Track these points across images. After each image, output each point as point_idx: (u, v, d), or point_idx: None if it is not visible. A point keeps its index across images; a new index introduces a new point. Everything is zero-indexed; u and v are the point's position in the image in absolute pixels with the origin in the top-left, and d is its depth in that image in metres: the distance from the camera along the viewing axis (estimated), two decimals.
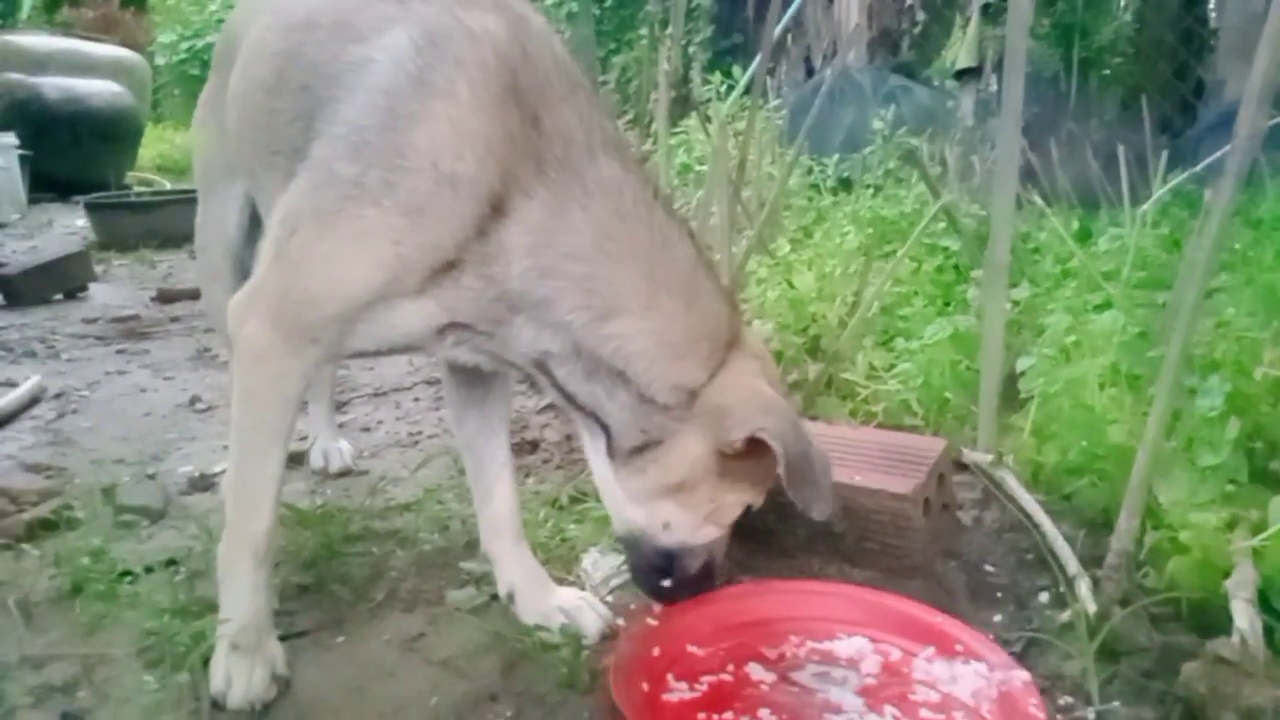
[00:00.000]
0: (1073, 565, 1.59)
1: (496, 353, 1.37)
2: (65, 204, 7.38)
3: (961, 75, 5.44)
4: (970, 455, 2.03)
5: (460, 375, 1.62)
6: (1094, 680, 1.35)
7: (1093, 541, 1.70)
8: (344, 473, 2.30)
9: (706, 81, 5.37)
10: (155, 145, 10.19)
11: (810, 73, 7.02)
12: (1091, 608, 1.46)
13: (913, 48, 6.85)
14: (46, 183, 7.57)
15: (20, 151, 7.05)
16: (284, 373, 1.35)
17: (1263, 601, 1.39)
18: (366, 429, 2.69)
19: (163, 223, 5.91)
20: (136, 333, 3.92)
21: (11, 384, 2.96)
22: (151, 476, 2.27)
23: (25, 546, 1.81)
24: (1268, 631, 1.35)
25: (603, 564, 1.74)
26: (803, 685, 1.35)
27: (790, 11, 5.87)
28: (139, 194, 7.25)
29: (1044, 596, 1.63)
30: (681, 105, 5.87)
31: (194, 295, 4.21)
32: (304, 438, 2.35)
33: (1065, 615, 1.50)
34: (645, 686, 1.31)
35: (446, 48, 1.25)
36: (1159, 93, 5.79)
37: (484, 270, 1.27)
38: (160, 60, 12.49)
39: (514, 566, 1.64)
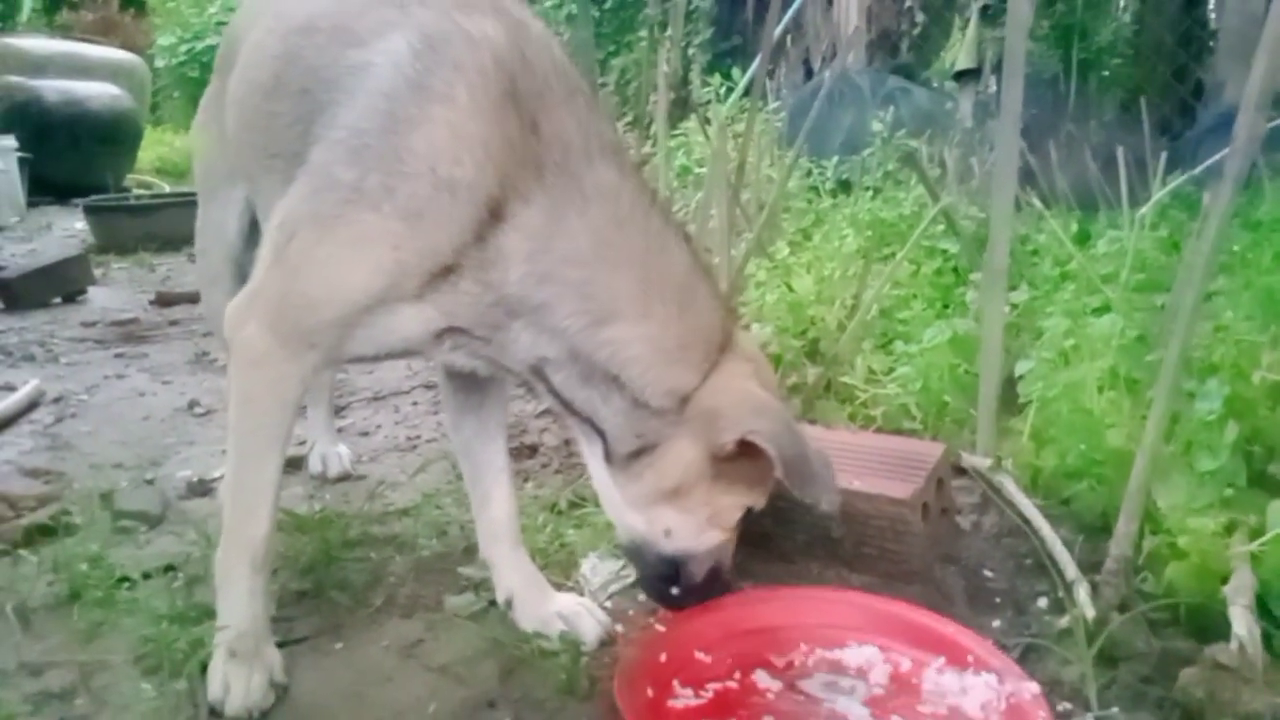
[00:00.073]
0: (1071, 570, 1.59)
1: (494, 358, 1.37)
2: (64, 207, 7.36)
3: (960, 77, 5.44)
4: (969, 459, 2.03)
5: (457, 380, 1.62)
6: (1092, 685, 1.35)
7: (1091, 546, 1.70)
8: (342, 478, 2.30)
9: (706, 83, 5.36)
10: (154, 148, 10.17)
11: (809, 75, 7.02)
12: (1090, 613, 1.46)
13: (912, 50, 6.84)
14: (45, 185, 7.56)
15: (19, 154, 7.04)
16: (282, 377, 1.35)
17: (1261, 607, 1.40)
18: (365, 433, 2.69)
19: (162, 226, 5.90)
20: (135, 336, 3.91)
21: (10, 388, 2.95)
22: (150, 481, 2.27)
23: (23, 552, 1.80)
24: (1266, 637, 1.35)
25: (601, 569, 1.74)
26: (809, 694, 1.34)
27: (789, 14, 5.88)
28: (138, 197, 7.22)
29: (1042, 601, 1.62)
30: (681, 107, 5.89)
31: (193, 299, 4.21)
32: (302, 442, 2.35)
33: (1064, 620, 1.50)
34: (650, 692, 1.30)
35: (445, 52, 1.25)
36: (1158, 95, 5.81)
37: (482, 275, 1.27)
38: (160, 63, 12.47)
39: (512, 572, 1.63)
